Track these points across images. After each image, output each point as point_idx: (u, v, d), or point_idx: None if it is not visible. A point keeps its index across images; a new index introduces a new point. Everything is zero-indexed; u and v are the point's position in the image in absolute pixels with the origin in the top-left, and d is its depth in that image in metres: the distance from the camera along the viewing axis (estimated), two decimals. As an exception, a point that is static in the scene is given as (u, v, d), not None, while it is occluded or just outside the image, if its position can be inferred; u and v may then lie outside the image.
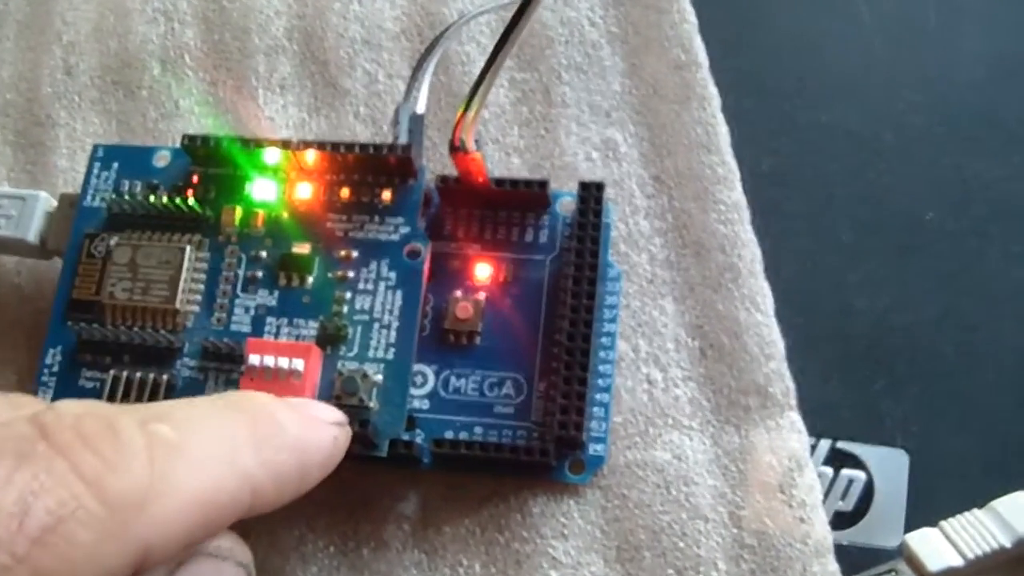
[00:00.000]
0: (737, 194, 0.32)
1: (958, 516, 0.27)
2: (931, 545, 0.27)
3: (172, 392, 0.30)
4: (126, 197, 0.31)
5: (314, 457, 0.25)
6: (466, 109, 0.27)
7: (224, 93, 0.35)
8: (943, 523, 0.27)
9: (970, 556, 0.26)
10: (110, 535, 0.19)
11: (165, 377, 0.30)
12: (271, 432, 0.23)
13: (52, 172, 0.35)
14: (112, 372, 0.30)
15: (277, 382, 0.28)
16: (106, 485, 0.19)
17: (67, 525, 0.18)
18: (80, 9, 0.37)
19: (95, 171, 0.32)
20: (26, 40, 0.37)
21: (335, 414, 0.26)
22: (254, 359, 0.28)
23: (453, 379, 0.30)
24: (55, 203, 0.33)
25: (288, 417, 0.24)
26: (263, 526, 0.30)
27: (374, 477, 0.30)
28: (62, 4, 0.37)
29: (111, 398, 0.29)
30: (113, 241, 0.31)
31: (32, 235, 0.32)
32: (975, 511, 0.27)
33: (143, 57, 0.36)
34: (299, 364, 0.28)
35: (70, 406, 0.21)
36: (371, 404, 0.29)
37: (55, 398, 0.30)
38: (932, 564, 0.26)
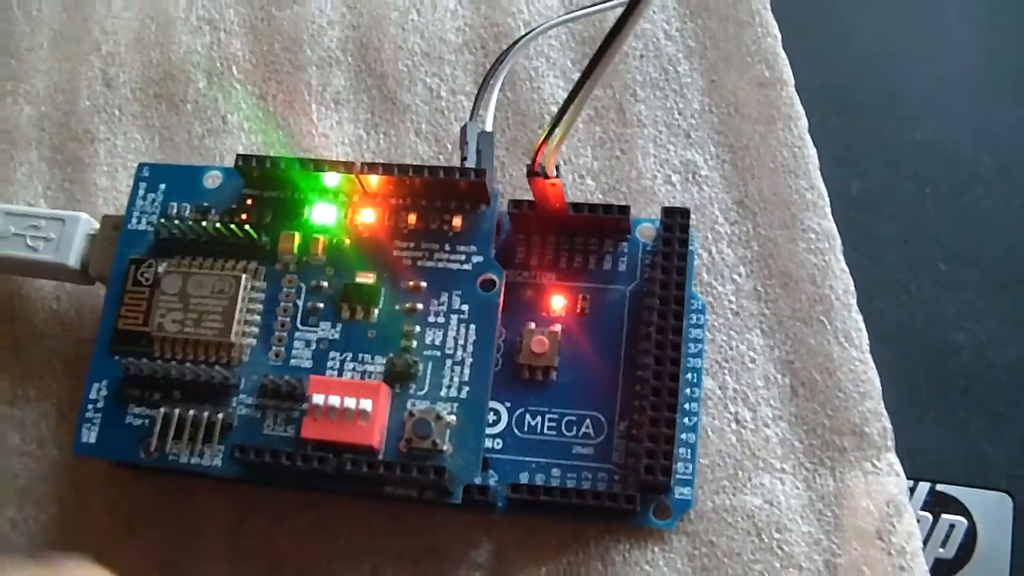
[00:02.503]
0: (827, 221, 0.31)
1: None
2: None
3: (228, 433, 0.28)
4: (175, 221, 0.30)
5: None
6: (549, 133, 0.26)
7: (275, 107, 0.34)
8: None
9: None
10: None
11: (220, 415, 0.28)
12: None
13: (92, 191, 0.34)
14: (163, 409, 0.28)
15: (343, 424, 0.27)
16: None
17: None
18: (120, 17, 0.36)
19: (140, 192, 0.31)
20: (62, 50, 0.36)
21: None
22: (318, 398, 0.27)
23: (528, 417, 0.29)
24: (97, 225, 0.31)
25: None
26: (326, 567, 0.29)
27: (444, 522, 0.29)
28: (100, 11, 0.36)
29: (162, 437, 0.28)
30: (162, 268, 0.29)
31: (73, 260, 0.31)
32: None
33: (187, 68, 0.35)
34: (367, 404, 0.27)
35: None
36: (445, 448, 0.27)
37: (100, 436, 0.29)
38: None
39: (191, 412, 0.28)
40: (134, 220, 0.30)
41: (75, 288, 0.32)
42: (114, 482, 0.31)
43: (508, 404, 0.29)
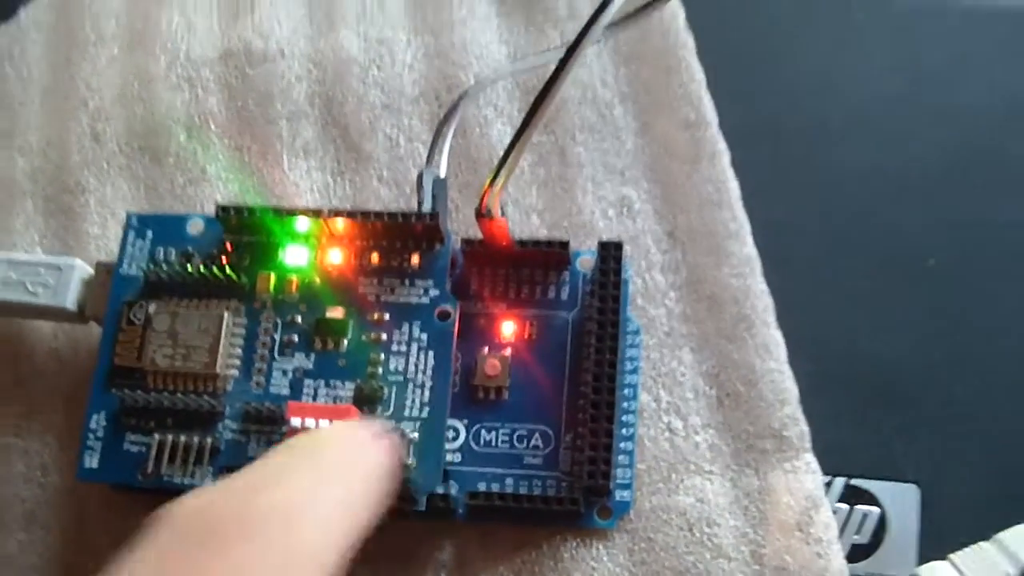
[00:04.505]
0: (748, 247, 0.34)
1: (966, 549, 0.29)
2: None
3: (216, 455, 0.31)
4: (163, 266, 0.33)
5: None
6: (494, 179, 0.29)
7: (249, 158, 0.37)
8: (952, 556, 0.30)
9: (980, 587, 0.29)
10: None
11: (209, 440, 0.31)
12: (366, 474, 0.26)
13: (84, 239, 0.36)
14: (157, 436, 0.31)
15: None
16: None
17: None
18: (104, 75, 0.39)
19: (130, 239, 0.33)
20: (52, 105, 0.38)
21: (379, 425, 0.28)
22: (295, 421, 0.30)
23: (484, 433, 0.32)
24: (91, 271, 0.34)
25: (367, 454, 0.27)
26: None
27: (412, 529, 0.32)
28: (85, 69, 0.39)
29: (157, 461, 0.31)
30: (152, 308, 0.32)
31: (70, 303, 0.33)
32: (982, 544, 0.30)
33: (169, 124, 0.38)
34: None
35: None
36: (409, 461, 0.30)
37: (101, 462, 0.31)
38: (944, 597, 0.29)
39: (182, 438, 0.31)
40: (125, 265, 0.33)
41: (72, 328, 0.35)
42: (112, 505, 0.33)
43: (466, 421, 0.32)
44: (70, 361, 0.35)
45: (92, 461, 0.31)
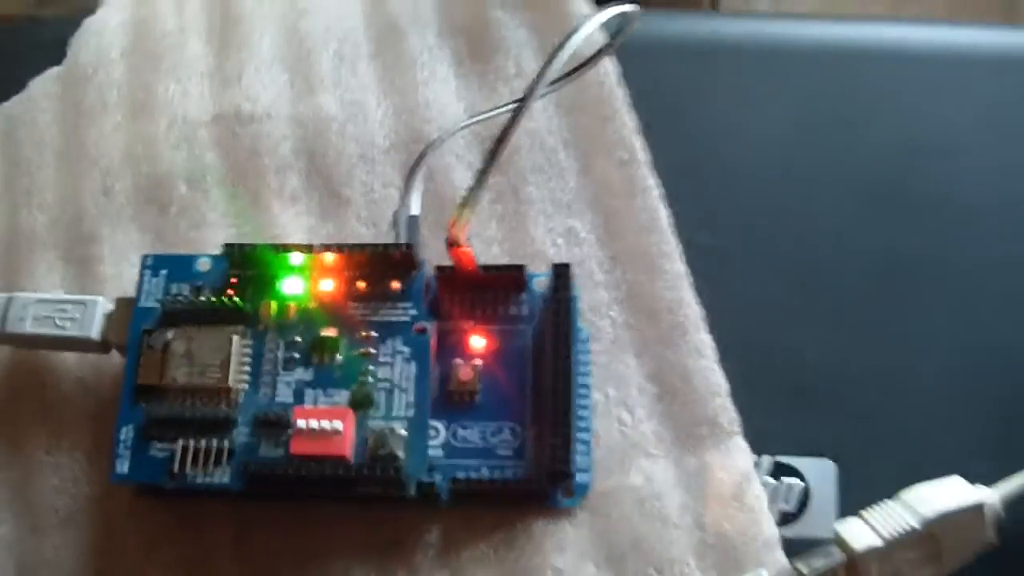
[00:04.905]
0: (679, 265, 0.38)
1: (875, 506, 0.34)
2: (856, 529, 0.34)
3: (232, 456, 0.35)
4: (178, 297, 0.37)
5: None
6: (460, 214, 0.34)
7: (244, 205, 0.41)
8: (863, 512, 0.34)
9: (887, 536, 0.33)
10: None
11: (226, 443, 0.35)
12: None
13: (100, 281, 0.40)
14: (180, 442, 0.35)
15: (322, 440, 0.34)
16: None
17: None
18: (110, 138, 0.43)
19: (147, 277, 0.38)
20: (66, 166, 0.43)
21: None
22: (301, 423, 0.34)
23: (460, 430, 0.36)
24: (111, 306, 0.38)
25: None
26: (314, 561, 0.36)
27: (402, 516, 0.36)
28: (93, 134, 0.43)
29: (181, 463, 0.35)
30: (170, 335, 0.36)
31: (95, 333, 0.38)
32: (887, 501, 0.34)
33: (171, 179, 0.42)
34: (339, 425, 0.34)
35: None
36: (400, 453, 0.35)
37: (131, 467, 0.35)
38: (857, 544, 0.33)
39: (203, 442, 0.35)
40: (143, 299, 0.37)
41: (94, 358, 0.39)
42: (137, 511, 0.37)
43: (444, 422, 0.36)
44: (93, 387, 0.39)
45: (123, 467, 0.35)
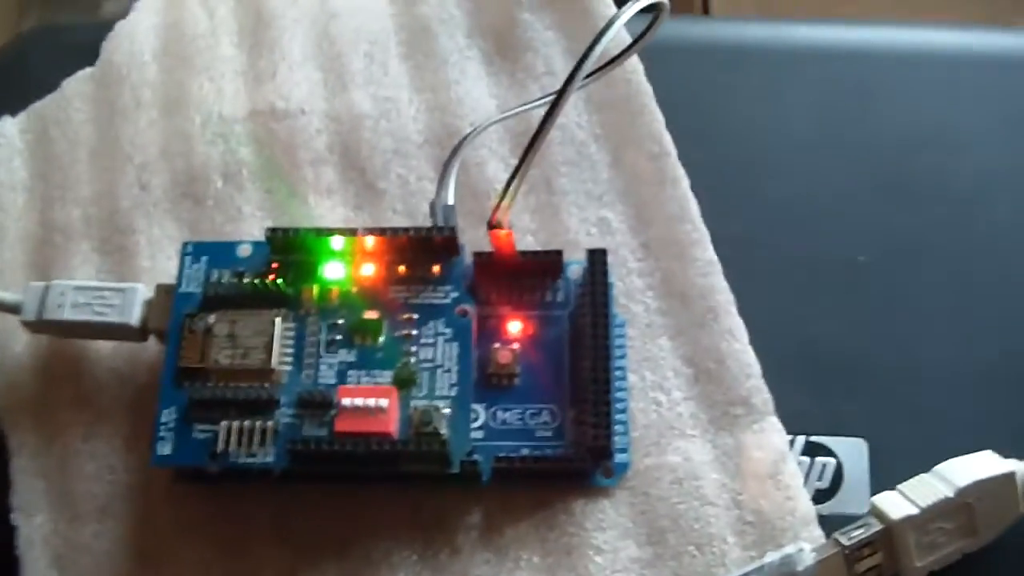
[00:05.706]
0: (710, 252, 0.39)
1: (911, 480, 0.35)
2: (892, 500, 0.34)
3: (276, 436, 0.35)
4: (220, 281, 0.38)
5: None
6: (503, 196, 0.35)
7: (279, 199, 0.42)
8: (900, 486, 0.35)
9: (922, 505, 0.34)
10: None
11: (270, 423, 0.35)
12: None
13: (136, 271, 0.41)
14: (223, 423, 0.35)
15: (367, 418, 0.35)
16: None
17: None
18: (146, 135, 0.43)
19: (187, 264, 0.38)
20: (100, 163, 0.43)
21: None
22: (347, 401, 0.35)
23: (500, 413, 0.37)
24: (150, 294, 0.39)
25: None
26: (355, 544, 0.37)
27: (443, 496, 0.37)
28: (128, 131, 0.44)
29: (225, 444, 0.35)
30: (212, 318, 0.37)
31: (135, 320, 0.38)
32: (922, 475, 0.35)
33: (207, 173, 0.42)
34: (384, 402, 0.35)
35: None
36: (443, 431, 0.35)
37: (174, 449, 0.36)
38: (894, 514, 0.34)
39: (245, 423, 0.35)
40: (184, 285, 0.38)
41: (130, 347, 0.39)
42: (174, 497, 0.37)
43: (484, 404, 0.37)
44: (129, 376, 0.39)
45: (165, 448, 0.36)
